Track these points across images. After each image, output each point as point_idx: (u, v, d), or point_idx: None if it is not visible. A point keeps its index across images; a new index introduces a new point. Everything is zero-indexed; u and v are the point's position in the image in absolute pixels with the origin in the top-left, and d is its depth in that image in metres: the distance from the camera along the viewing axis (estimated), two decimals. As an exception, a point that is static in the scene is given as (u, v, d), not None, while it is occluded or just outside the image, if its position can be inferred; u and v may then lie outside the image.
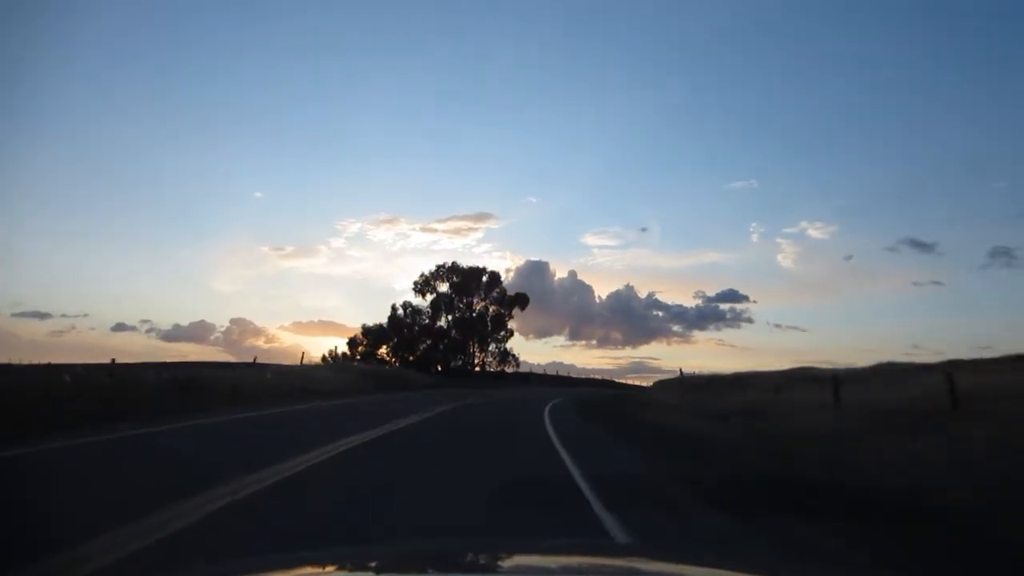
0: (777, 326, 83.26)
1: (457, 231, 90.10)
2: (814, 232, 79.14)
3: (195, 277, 76.50)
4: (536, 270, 64.22)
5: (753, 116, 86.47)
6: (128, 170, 76.50)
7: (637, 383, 65.76)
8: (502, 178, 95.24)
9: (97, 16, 66.22)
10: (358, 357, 52.58)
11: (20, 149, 63.97)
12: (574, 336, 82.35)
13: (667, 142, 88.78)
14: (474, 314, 57.84)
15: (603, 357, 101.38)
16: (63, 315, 65.24)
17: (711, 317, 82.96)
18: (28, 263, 62.09)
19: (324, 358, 54.22)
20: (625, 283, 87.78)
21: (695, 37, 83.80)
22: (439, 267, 57.68)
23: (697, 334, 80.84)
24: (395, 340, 56.23)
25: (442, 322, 57.39)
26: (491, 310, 58.52)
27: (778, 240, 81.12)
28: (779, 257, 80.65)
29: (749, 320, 78.52)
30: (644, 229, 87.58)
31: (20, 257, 60.59)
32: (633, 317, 73.86)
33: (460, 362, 57.88)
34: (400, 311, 56.58)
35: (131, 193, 78.47)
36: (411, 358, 55.14)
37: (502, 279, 59.15)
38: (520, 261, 74.29)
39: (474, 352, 58.21)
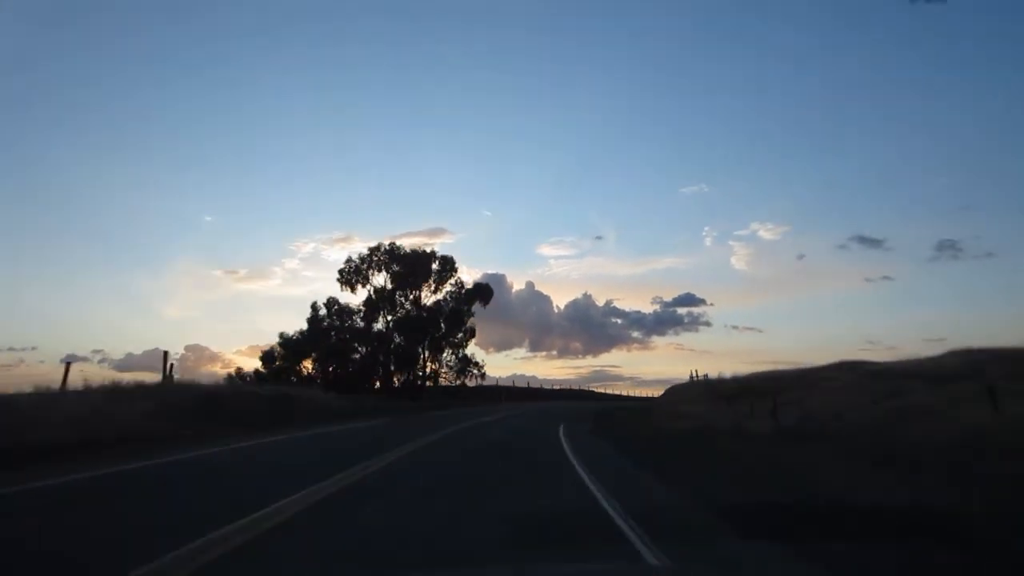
0: (735, 328, 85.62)
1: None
2: (765, 233, 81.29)
3: (148, 304, 71.68)
4: (493, 283, 54.06)
5: (702, 121, 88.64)
6: (74, 196, 72.00)
7: (640, 393, 61.19)
8: (456, 192, 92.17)
9: (42, 34, 59.21)
10: (263, 375, 38.69)
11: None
12: (535, 347, 77.50)
13: (618, 150, 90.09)
14: (423, 312, 44.41)
15: (564, 367, 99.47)
16: (11, 348, 60.70)
17: (669, 322, 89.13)
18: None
19: (228, 377, 42.04)
20: (583, 292, 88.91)
21: (643, 45, 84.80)
22: (372, 251, 44.02)
23: (656, 339, 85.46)
24: (320, 350, 42.41)
25: (380, 324, 43.84)
26: (445, 306, 45.20)
27: (731, 243, 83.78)
28: (733, 260, 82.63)
29: (707, 323, 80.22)
30: (599, 237, 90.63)
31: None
32: (592, 325, 72.59)
33: (407, 376, 44.36)
34: (323, 311, 42.70)
35: (78, 220, 73.63)
36: (340, 373, 41.50)
37: (456, 265, 45.94)
38: (477, 275, 65.64)
39: (425, 361, 44.77)
